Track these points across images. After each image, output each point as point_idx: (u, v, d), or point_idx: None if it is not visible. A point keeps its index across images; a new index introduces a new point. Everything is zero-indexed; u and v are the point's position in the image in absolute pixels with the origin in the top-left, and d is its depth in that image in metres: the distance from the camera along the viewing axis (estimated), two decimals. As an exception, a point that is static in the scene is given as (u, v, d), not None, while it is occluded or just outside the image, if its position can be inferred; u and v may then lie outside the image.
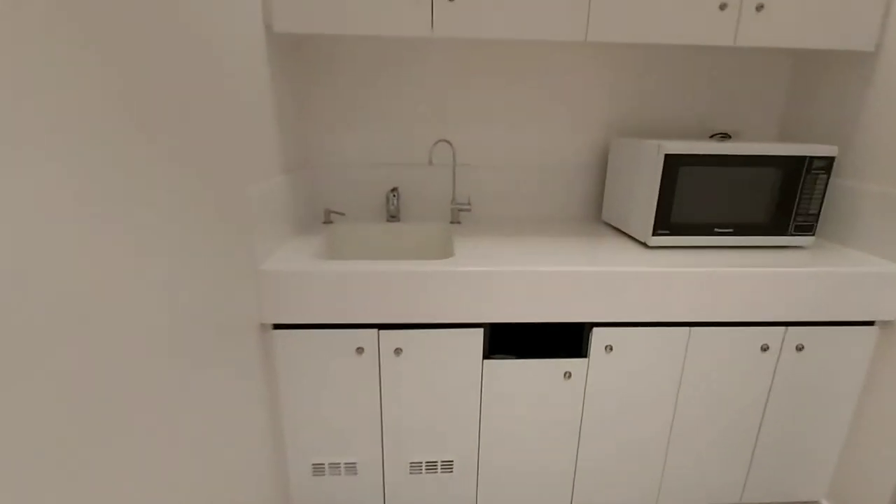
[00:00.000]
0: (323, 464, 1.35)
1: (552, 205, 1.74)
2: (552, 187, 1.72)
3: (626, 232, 1.51)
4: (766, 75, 1.66)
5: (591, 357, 1.30)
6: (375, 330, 1.24)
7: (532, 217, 1.74)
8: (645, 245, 1.41)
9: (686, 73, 1.65)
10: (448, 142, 1.57)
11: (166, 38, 0.77)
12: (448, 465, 1.37)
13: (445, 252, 1.61)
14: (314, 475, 1.36)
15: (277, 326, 1.23)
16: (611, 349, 1.29)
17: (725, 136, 1.65)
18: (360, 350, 1.25)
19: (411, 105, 1.62)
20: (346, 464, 1.35)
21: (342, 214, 1.64)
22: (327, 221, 1.62)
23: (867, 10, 1.29)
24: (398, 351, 1.26)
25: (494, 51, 1.59)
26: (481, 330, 1.25)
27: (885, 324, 1.31)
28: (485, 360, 1.28)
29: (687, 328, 1.29)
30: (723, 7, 1.26)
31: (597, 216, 1.77)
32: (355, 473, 1.36)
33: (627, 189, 1.49)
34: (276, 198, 1.29)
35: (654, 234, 1.36)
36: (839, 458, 1.45)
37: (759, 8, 1.27)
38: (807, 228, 1.38)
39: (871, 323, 1.31)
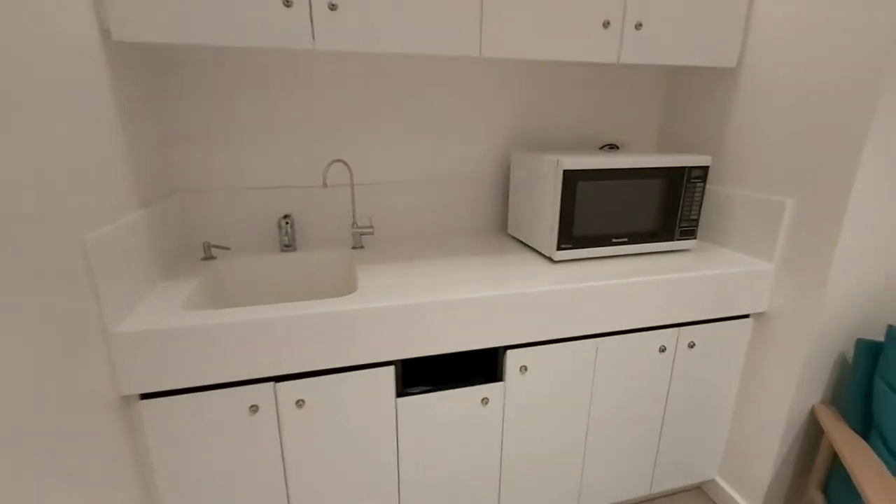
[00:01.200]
0: (220, 542, 1.16)
1: (458, 219, 1.70)
2: (457, 202, 1.68)
3: (532, 245, 1.51)
4: (647, 89, 1.76)
5: (506, 380, 1.27)
6: (271, 383, 1.09)
7: (438, 233, 1.68)
8: (550, 259, 1.42)
9: (577, 87, 1.69)
10: (344, 161, 1.45)
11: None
12: (368, 515, 1.27)
13: (348, 283, 1.48)
14: (211, 556, 1.17)
15: (146, 396, 1.02)
16: (525, 369, 1.27)
17: (614, 147, 1.73)
18: (254, 408, 1.09)
19: (301, 123, 1.46)
20: (248, 537, 1.18)
21: (227, 249, 1.43)
22: (208, 257, 1.41)
23: (729, 29, 1.41)
24: (300, 403, 1.12)
25: (390, 64, 1.49)
26: (392, 367, 1.16)
27: (758, 315, 1.45)
28: (398, 399, 1.19)
29: (594, 339, 1.31)
30: (606, 25, 1.29)
31: (502, 229, 1.76)
32: (261, 545, 1.20)
33: (529, 203, 1.49)
34: (130, 239, 1.07)
35: (559, 248, 1.36)
36: (728, 437, 1.59)
37: (639, 26, 1.32)
38: (690, 233, 1.48)
39: (746, 316, 1.45)
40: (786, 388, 1.38)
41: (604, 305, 1.27)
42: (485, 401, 1.26)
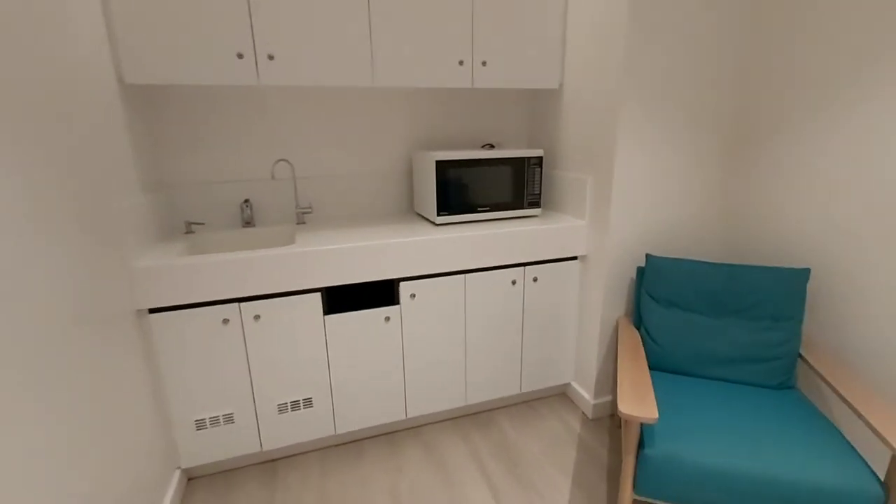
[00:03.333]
0: (204, 419, 1.70)
1: (378, 203, 2.29)
2: (377, 189, 2.27)
3: (424, 216, 2.12)
4: (515, 104, 2.42)
5: (401, 304, 1.86)
6: (237, 304, 1.65)
7: (362, 213, 2.28)
8: (433, 223, 2.03)
9: (465, 103, 2.33)
10: (287, 160, 2.03)
11: (42, 91, 1.13)
12: (308, 402, 1.82)
13: (291, 243, 2.06)
14: (197, 430, 1.71)
15: (154, 311, 1.57)
16: (414, 296, 1.87)
17: (491, 146, 2.37)
18: (225, 321, 1.64)
19: (253, 131, 2.04)
20: (223, 415, 1.73)
21: (202, 224, 1.99)
22: (188, 232, 1.96)
23: (550, 61, 2.06)
24: (257, 317, 1.68)
25: (319, 91, 2.09)
26: (319, 294, 1.74)
27: (582, 257, 2.09)
28: (325, 316, 1.77)
29: (463, 275, 1.92)
30: (461, 63, 1.93)
31: (410, 209, 2.36)
32: (233, 422, 1.74)
33: (421, 186, 2.10)
34: (139, 211, 1.63)
35: (438, 214, 1.98)
36: (576, 350, 2.22)
37: (484, 63, 1.96)
38: (535, 203, 2.12)
39: (574, 258, 2.09)
40: (598, 307, 2.01)
41: (470, 251, 1.88)
42: (387, 319, 1.85)
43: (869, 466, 1.24)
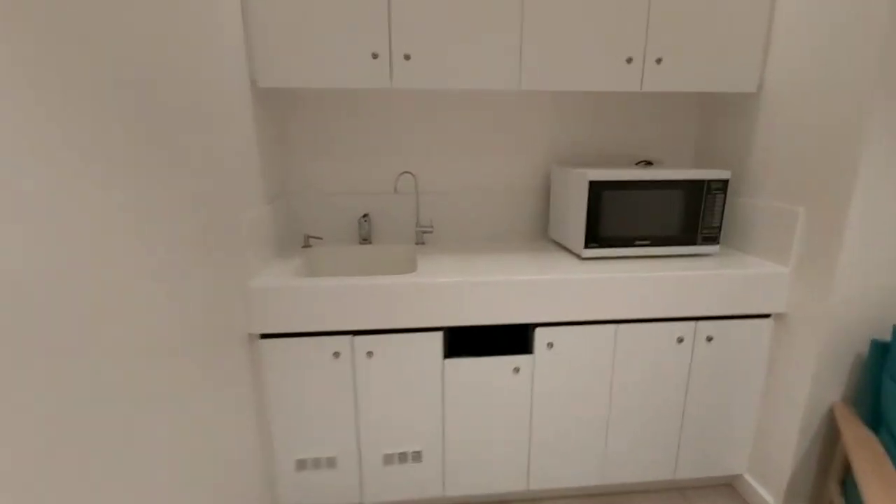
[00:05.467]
0: (306, 459, 1.52)
1: (506, 224, 1.99)
2: (505, 209, 1.97)
3: (566, 246, 1.76)
4: (681, 112, 1.96)
5: (535, 353, 1.52)
6: (350, 336, 1.44)
7: (488, 236, 1.99)
8: (579, 257, 1.66)
9: (618, 111, 1.94)
10: (411, 173, 1.82)
11: (178, 99, 1.00)
12: (417, 455, 1.56)
13: (410, 268, 1.83)
14: (297, 470, 1.53)
15: (264, 336, 1.42)
16: (552, 346, 1.52)
17: (648, 164, 1.94)
18: (336, 354, 1.45)
19: (379, 141, 1.86)
20: (326, 458, 1.53)
21: (320, 238, 1.85)
22: (306, 245, 1.83)
23: (748, 58, 1.59)
24: (370, 354, 1.46)
25: (450, 94, 1.85)
26: (440, 333, 1.47)
27: (778, 315, 1.57)
28: (445, 360, 1.49)
29: (614, 325, 1.52)
30: (629, 61, 1.55)
31: (544, 234, 2.02)
32: (335, 466, 1.54)
33: (564, 209, 1.75)
34: (262, 224, 1.50)
35: (586, 247, 1.61)
36: (756, 434, 1.68)
37: (659, 61, 1.56)
38: (712, 239, 1.65)
39: (767, 315, 1.57)
40: (802, 386, 1.48)
41: (623, 295, 1.48)
42: (516, 369, 1.52)
43: None
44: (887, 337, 1.42)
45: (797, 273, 1.49)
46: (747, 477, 1.72)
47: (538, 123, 1.92)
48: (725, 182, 1.60)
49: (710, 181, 1.59)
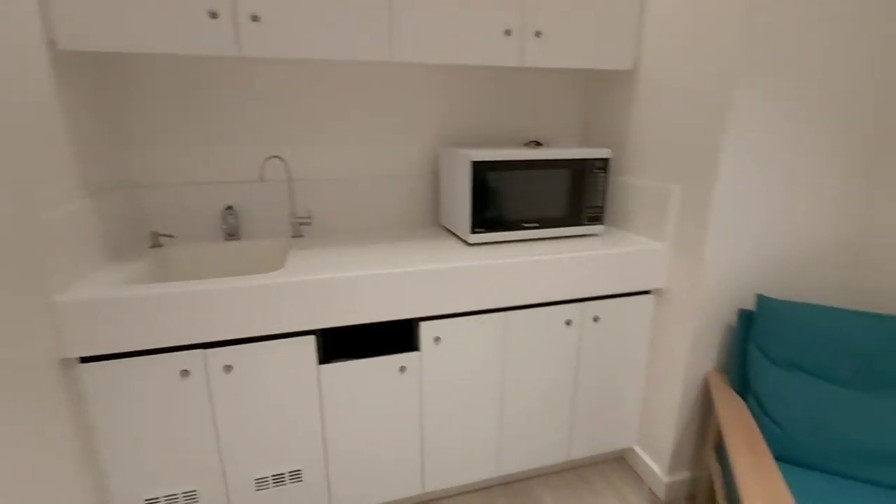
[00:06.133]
0: (157, 498, 1.28)
1: (395, 212, 1.84)
2: (394, 196, 1.82)
3: (454, 232, 1.66)
4: (568, 91, 1.93)
5: (422, 350, 1.40)
6: (201, 350, 1.22)
7: (375, 225, 1.83)
8: (466, 243, 1.57)
9: (509, 91, 1.86)
10: (280, 157, 1.60)
11: None
12: (296, 474, 1.39)
13: (280, 265, 1.63)
14: (149, 512, 1.29)
15: (86, 360, 1.15)
16: (439, 340, 1.41)
17: (538, 144, 1.89)
18: (184, 373, 1.22)
19: (238, 122, 1.61)
20: (183, 493, 1.30)
21: (171, 237, 1.58)
22: (155, 245, 1.55)
23: (624, 35, 1.57)
24: (228, 368, 1.25)
25: (321, 68, 1.65)
26: (313, 337, 1.30)
27: (658, 291, 1.60)
28: (321, 366, 1.33)
29: (504, 313, 1.45)
30: (508, 33, 1.46)
31: (435, 221, 1.90)
32: (196, 501, 1.32)
33: (451, 193, 1.64)
34: (78, 222, 1.21)
35: (473, 231, 1.51)
36: (643, 407, 1.72)
37: (538, 34, 1.49)
38: (596, 219, 1.63)
39: (648, 292, 1.60)
40: (681, 358, 1.52)
41: (511, 281, 1.41)
42: (402, 369, 1.40)
43: None
44: (753, 307, 1.49)
45: (674, 249, 1.52)
46: (637, 449, 1.77)
47: (426, 104, 1.78)
48: (606, 161, 1.59)
49: (591, 160, 1.57)
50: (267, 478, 1.36)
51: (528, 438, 1.61)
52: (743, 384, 1.40)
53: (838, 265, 1.53)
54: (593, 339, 1.57)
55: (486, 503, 1.63)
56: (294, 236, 1.68)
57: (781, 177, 1.39)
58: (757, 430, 1.21)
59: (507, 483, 1.72)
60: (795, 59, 1.30)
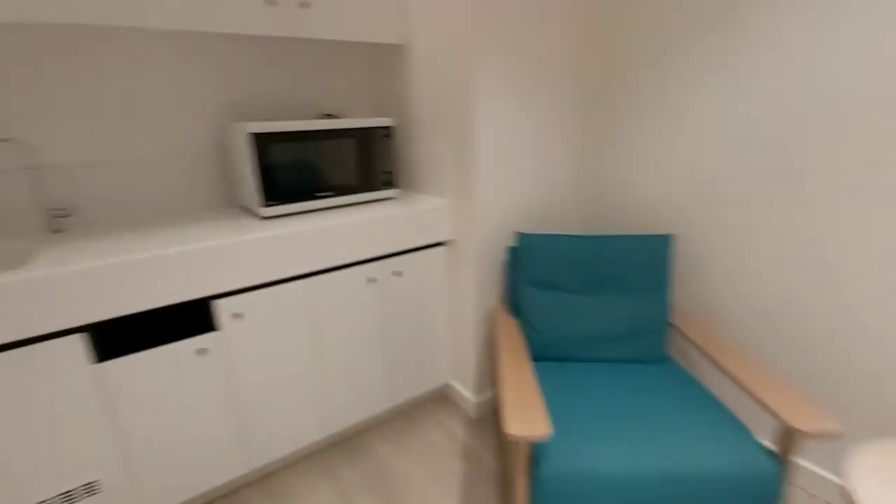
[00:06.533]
0: None
1: (181, 195, 1.72)
2: (178, 177, 1.70)
3: (249, 208, 1.63)
4: (360, 65, 2.01)
5: (223, 328, 1.38)
6: (-80, 374, 1.02)
7: (160, 211, 1.69)
8: (259, 217, 1.57)
9: (297, 64, 1.85)
10: (16, 139, 1.36)
11: None
12: (91, 488, 1.27)
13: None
14: None
15: None
16: (241, 316, 1.40)
17: (331, 116, 1.95)
18: None
19: (-55, 99, 1.32)
20: (-71, 546, 1.09)
21: None
22: None
23: (389, 10, 1.70)
24: (-33, 388, 1.07)
25: (79, 35, 1.43)
26: (82, 335, 1.18)
27: (449, 242, 1.82)
28: (99, 364, 1.22)
29: (306, 280, 1.50)
30: (271, 2, 1.46)
31: (231, 200, 1.84)
32: (-49, 551, 1.12)
33: (239, 169, 1.61)
34: None
35: (265, 205, 1.52)
36: (451, 344, 1.97)
37: (305, 6, 1.52)
38: (390, 183, 1.78)
39: (441, 244, 1.81)
40: (471, 297, 1.77)
41: (310, 249, 1.46)
42: (201, 352, 1.36)
43: (759, 443, 1.17)
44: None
45: (454, 204, 1.74)
46: (452, 382, 2.02)
47: (210, 79, 1.68)
48: (389, 129, 1.72)
49: (375, 129, 1.69)
50: (51, 499, 1.21)
51: (349, 393, 1.72)
52: (516, 308, 1.71)
53: (579, 201, 1.94)
54: (397, 291, 1.73)
55: (324, 464, 1.70)
56: (54, 231, 1.46)
57: (525, 138, 1.70)
58: (520, 339, 1.51)
59: (341, 440, 1.82)
60: (520, 44, 1.58)
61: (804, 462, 1.50)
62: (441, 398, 2.06)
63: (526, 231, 1.81)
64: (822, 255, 1.34)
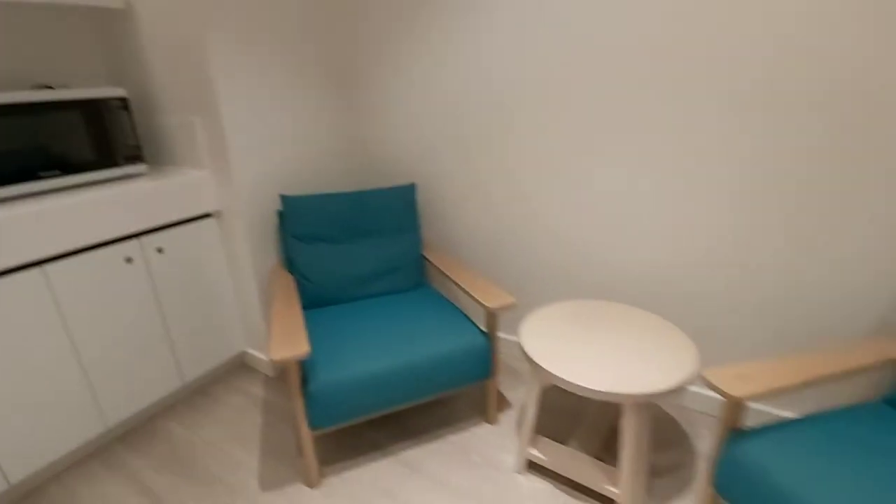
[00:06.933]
0: None
1: None
2: None
3: (-55, 198, 1.39)
4: (84, 32, 1.80)
5: (-73, 336, 1.20)
6: None
7: None
8: (-40, 206, 1.36)
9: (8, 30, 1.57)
10: None
11: None
12: None
13: None
14: None
15: None
16: (-49, 319, 1.23)
17: (48, 88, 1.73)
18: None
19: None
20: None
21: None
22: None
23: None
24: None
25: None
26: None
27: (216, 213, 1.84)
28: None
29: (38, 267, 1.38)
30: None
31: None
32: None
33: (-82, 152, 1.35)
34: None
35: (-36, 192, 1.32)
36: (241, 315, 2.02)
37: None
38: (136, 158, 1.69)
39: (208, 215, 1.82)
40: (249, 261, 1.84)
41: (35, 233, 1.34)
42: None
43: (476, 325, 1.59)
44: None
45: (214, 175, 1.77)
46: (248, 349, 2.09)
47: None
48: (124, 100, 1.64)
49: (108, 100, 1.59)
50: None
51: (129, 382, 1.65)
52: (291, 264, 1.86)
53: (341, 160, 2.16)
54: (165, 269, 1.70)
55: (111, 459, 1.61)
56: None
57: (277, 104, 1.81)
58: (293, 290, 1.67)
59: (131, 431, 1.74)
60: (254, 8, 1.66)
61: (504, 335, 2.06)
62: (240, 367, 2.11)
63: (291, 193, 1.94)
64: (521, 187, 1.83)
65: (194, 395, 1.94)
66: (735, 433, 1.10)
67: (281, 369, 2.06)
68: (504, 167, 1.83)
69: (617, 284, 1.75)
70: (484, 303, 1.50)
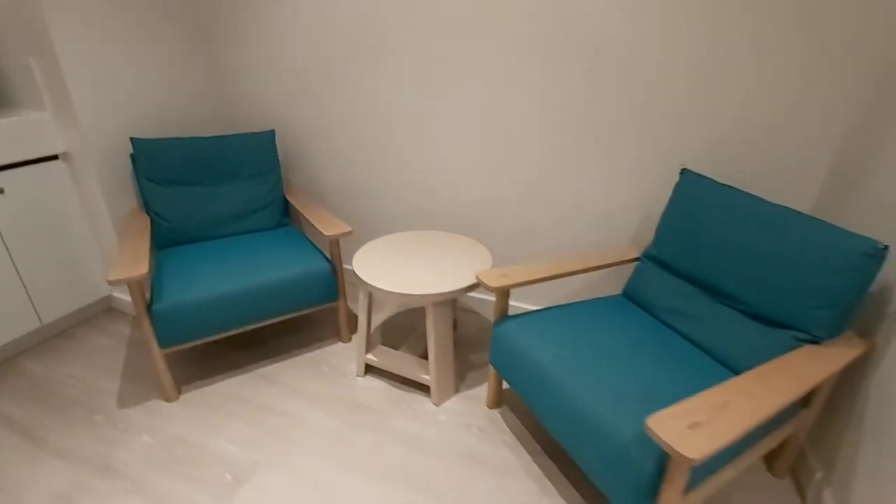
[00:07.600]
0: None
1: None
2: None
3: None
4: None
5: None
6: None
7: None
8: None
9: None
10: None
11: None
12: None
13: None
14: None
15: None
16: None
17: None
18: None
19: None
20: None
21: None
22: None
23: None
24: None
25: None
26: None
27: (64, 155, 1.85)
28: None
29: None
30: None
31: None
32: None
33: None
34: None
35: None
36: (102, 259, 2.06)
37: None
38: (-36, 97, 1.66)
39: (54, 157, 1.83)
40: (103, 205, 1.88)
41: None
42: None
43: (324, 254, 1.79)
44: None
45: (58, 117, 1.78)
46: (117, 294, 2.14)
47: None
48: (-57, 35, 1.59)
49: (-81, 34, 1.54)
50: None
51: (-27, 320, 1.68)
52: (147, 205, 1.92)
53: (207, 105, 2.22)
54: (8, 209, 1.71)
55: (-43, 400, 1.65)
56: None
57: (130, 46, 1.83)
58: (145, 228, 1.76)
59: (-20, 373, 1.77)
60: (85, -55, 1.66)
61: (347, 266, 2.30)
62: (107, 311, 2.17)
63: (146, 137, 1.99)
64: (369, 131, 2.02)
65: (57, 338, 1.98)
66: (501, 318, 1.42)
67: (151, 311, 2.14)
68: (353, 112, 2.01)
69: (447, 216, 2.04)
70: (324, 232, 1.71)
